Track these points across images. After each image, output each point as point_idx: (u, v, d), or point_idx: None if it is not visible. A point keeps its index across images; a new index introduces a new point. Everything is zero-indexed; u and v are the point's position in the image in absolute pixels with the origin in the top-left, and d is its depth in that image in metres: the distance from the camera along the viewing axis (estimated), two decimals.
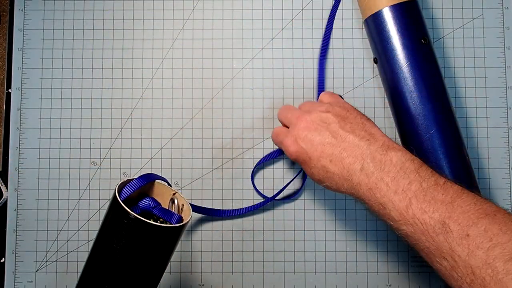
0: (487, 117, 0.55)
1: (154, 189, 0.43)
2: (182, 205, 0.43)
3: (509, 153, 0.55)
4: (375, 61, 0.52)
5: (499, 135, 0.55)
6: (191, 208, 0.42)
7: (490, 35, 0.56)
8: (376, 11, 0.50)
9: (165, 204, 0.43)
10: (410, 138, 0.50)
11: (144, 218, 0.37)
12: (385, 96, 0.54)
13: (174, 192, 0.43)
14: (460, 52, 0.56)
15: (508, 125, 0.55)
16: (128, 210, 0.37)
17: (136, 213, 0.38)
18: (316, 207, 0.55)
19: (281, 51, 0.56)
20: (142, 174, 0.42)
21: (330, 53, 0.56)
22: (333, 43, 0.56)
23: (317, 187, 0.55)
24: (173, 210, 0.42)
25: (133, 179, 0.41)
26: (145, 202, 0.41)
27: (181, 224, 0.39)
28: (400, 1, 0.50)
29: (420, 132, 0.49)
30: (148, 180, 0.41)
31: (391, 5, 0.50)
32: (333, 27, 0.56)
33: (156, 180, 0.43)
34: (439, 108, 0.49)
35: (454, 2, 0.56)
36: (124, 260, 0.38)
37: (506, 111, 0.55)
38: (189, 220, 0.40)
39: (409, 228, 0.38)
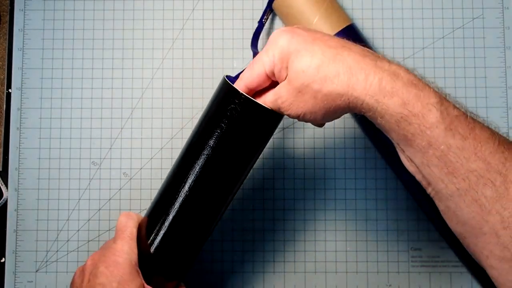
0: (487, 117, 0.55)
1: None
2: None
3: None
4: None
5: None
6: None
7: (490, 35, 0.56)
8: None
9: None
10: None
11: None
12: None
13: None
14: (460, 52, 0.56)
15: (508, 125, 0.55)
16: (240, 91, 0.40)
17: None
18: (316, 207, 0.55)
19: None
20: None
21: None
22: None
23: (318, 187, 0.55)
24: None
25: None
26: None
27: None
28: (337, 30, 0.51)
29: None
30: None
31: (334, 35, 0.50)
32: None
33: None
34: None
35: (454, 2, 0.56)
36: (228, 142, 0.41)
37: (506, 111, 0.55)
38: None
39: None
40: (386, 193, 0.55)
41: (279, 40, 0.37)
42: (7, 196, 0.55)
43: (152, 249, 0.43)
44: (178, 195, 0.43)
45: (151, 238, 0.43)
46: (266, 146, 0.44)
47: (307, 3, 0.51)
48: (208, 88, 0.56)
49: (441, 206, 0.37)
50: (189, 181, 0.42)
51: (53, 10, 0.57)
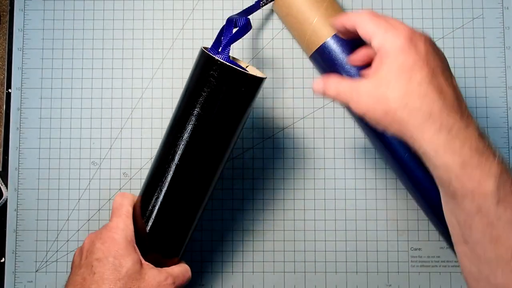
0: (487, 117, 0.55)
1: None
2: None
3: (509, 153, 0.55)
4: None
5: (499, 135, 0.55)
6: (265, 75, 0.45)
7: (490, 35, 0.56)
8: (319, 45, 0.51)
9: None
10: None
11: None
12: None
13: (246, 65, 0.47)
14: (460, 52, 0.56)
15: (508, 125, 0.55)
16: (216, 57, 0.41)
17: None
18: (316, 207, 0.55)
19: (281, 51, 0.56)
20: None
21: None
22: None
23: (317, 187, 0.55)
24: None
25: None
26: None
27: (261, 76, 0.43)
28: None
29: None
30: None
31: (333, 35, 0.50)
32: None
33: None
34: None
35: (454, 2, 0.56)
36: (211, 108, 0.42)
37: (506, 111, 0.55)
38: (265, 78, 0.44)
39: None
40: (386, 193, 0.55)
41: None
42: (7, 196, 0.55)
43: (147, 226, 0.44)
44: (169, 168, 0.43)
45: (146, 215, 0.44)
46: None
47: (307, 3, 0.51)
48: None
49: (473, 268, 0.36)
50: (178, 152, 0.42)
51: (53, 10, 0.57)
